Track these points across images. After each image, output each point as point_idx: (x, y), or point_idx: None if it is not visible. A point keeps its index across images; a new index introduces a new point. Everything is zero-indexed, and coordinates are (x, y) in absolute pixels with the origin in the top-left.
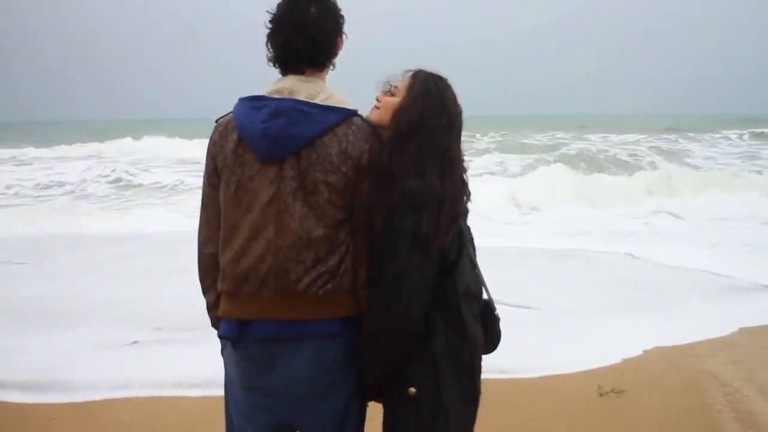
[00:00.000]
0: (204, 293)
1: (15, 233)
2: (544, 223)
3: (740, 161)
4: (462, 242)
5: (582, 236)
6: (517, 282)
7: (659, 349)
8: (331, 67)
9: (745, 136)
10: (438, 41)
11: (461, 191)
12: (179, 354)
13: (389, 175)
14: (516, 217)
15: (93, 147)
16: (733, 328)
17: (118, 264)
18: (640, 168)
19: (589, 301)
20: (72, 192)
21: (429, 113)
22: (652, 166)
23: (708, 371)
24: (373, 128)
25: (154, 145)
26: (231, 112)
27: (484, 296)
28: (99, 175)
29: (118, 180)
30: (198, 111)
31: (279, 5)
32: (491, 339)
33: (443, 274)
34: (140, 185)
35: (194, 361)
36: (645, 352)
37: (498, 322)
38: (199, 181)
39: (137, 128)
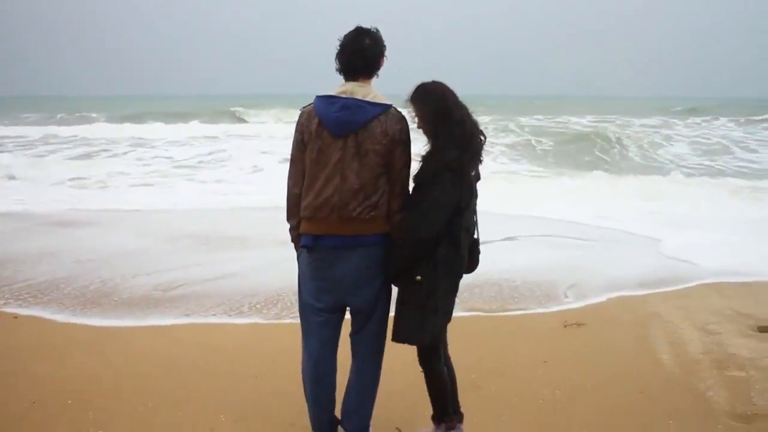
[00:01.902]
0: (288, 219)
1: None
2: None
3: None
4: (470, 199)
5: None
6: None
7: (620, 297)
8: (376, 76)
9: None
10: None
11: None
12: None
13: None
14: None
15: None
16: (688, 284)
17: None
18: None
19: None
20: None
21: (432, 110)
22: None
23: (656, 312)
24: (402, 116)
25: None
26: (311, 104)
27: (476, 236)
28: None
29: None
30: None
31: (346, 36)
32: (474, 263)
33: (455, 213)
34: None
35: None
36: (608, 299)
37: (479, 254)
38: None
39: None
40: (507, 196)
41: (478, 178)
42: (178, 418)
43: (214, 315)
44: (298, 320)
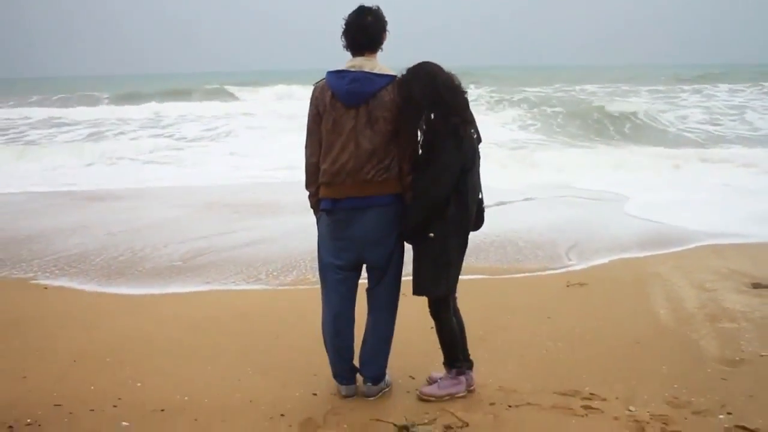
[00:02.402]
0: (307, 187)
1: None
2: None
3: None
4: (475, 160)
5: None
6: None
7: (622, 259)
8: (381, 50)
9: None
10: None
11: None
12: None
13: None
14: None
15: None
16: (687, 246)
17: None
18: None
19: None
20: None
21: (431, 85)
22: None
23: (655, 272)
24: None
25: None
26: (323, 79)
27: (480, 196)
28: None
29: None
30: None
31: (350, 15)
32: (479, 221)
33: (462, 174)
34: None
35: None
36: (610, 261)
37: (484, 212)
38: None
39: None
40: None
41: (479, 140)
42: (208, 371)
43: (233, 282)
44: (313, 286)
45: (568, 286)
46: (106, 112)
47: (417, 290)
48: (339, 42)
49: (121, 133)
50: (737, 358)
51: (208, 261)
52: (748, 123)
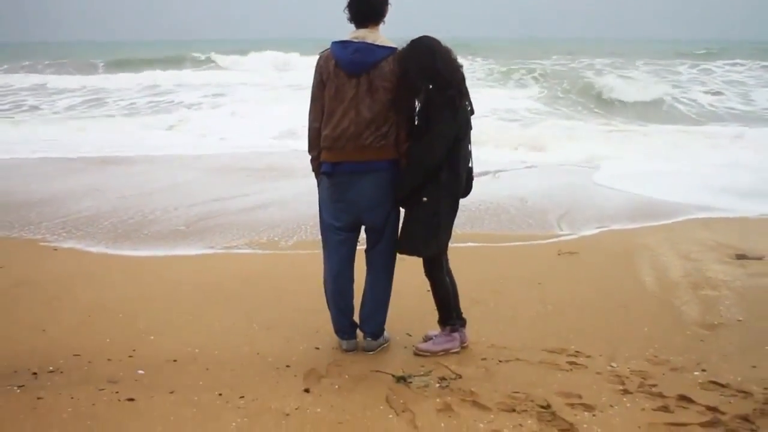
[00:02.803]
0: (309, 151)
1: None
2: None
3: None
4: (466, 131)
5: None
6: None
7: (612, 230)
8: (383, 23)
9: None
10: None
11: (463, 91)
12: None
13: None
14: None
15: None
16: (676, 218)
17: None
18: None
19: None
20: None
21: (428, 59)
22: None
23: (644, 243)
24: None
25: None
26: (327, 48)
27: (470, 164)
28: None
29: None
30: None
31: None
32: (468, 188)
33: (455, 143)
34: None
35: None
36: (600, 231)
37: (472, 180)
38: None
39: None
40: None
41: (472, 112)
42: (217, 327)
43: (236, 247)
44: (313, 251)
45: (559, 254)
46: (103, 80)
47: (411, 251)
48: (318, 10)
49: (121, 99)
50: (715, 323)
51: (215, 224)
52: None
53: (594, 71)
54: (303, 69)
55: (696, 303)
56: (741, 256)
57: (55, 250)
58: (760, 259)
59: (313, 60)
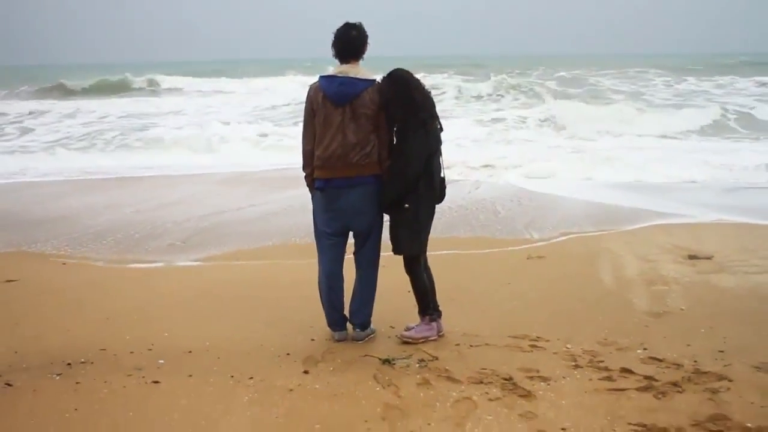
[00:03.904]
0: (304, 169)
1: None
2: None
3: None
4: (437, 147)
5: None
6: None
7: (578, 236)
8: (362, 59)
9: None
10: None
11: (434, 114)
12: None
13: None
14: None
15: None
16: (638, 224)
17: None
18: None
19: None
20: None
21: (403, 89)
22: None
23: (606, 247)
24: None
25: None
26: (316, 82)
27: (442, 174)
28: None
29: None
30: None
31: (338, 30)
32: (442, 196)
33: (429, 158)
34: None
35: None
36: (568, 238)
37: (445, 189)
38: None
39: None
40: None
41: (441, 129)
42: (223, 325)
43: (236, 260)
44: (304, 260)
45: (528, 258)
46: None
47: (396, 250)
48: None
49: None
50: (661, 311)
51: (218, 234)
52: None
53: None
54: None
55: (646, 296)
56: (693, 257)
57: (64, 264)
58: (709, 258)
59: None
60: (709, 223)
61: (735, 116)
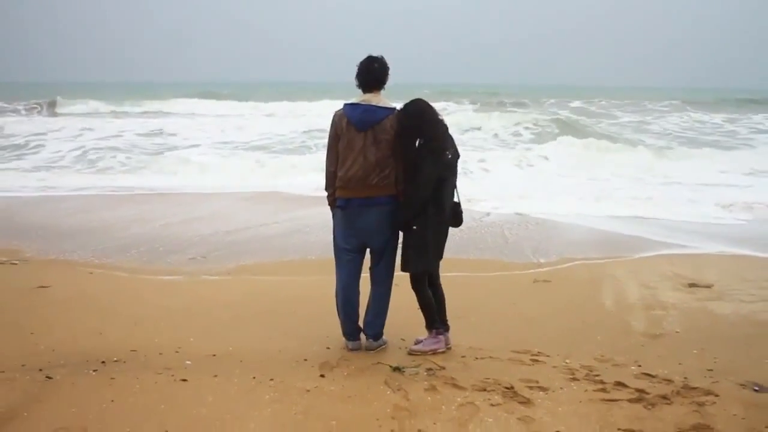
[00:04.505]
0: (326, 189)
1: None
2: None
3: None
4: (447, 173)
5: None
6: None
7: (584, 263)
8: (384, 88)
9: None
10: None
11: (444, 143)
12: None
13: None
14: None
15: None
16: (643, 254)
17: None
18: None
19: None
20: None
21: (418, 119)
22: None
23: (611, 274)
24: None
25: None
26: (341, 109)
27: (456, 199)
28: None
29: None
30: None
31: (361, 62)
32: (458, 220)
33: (438, 183)
34: None
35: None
36: (574, 264)
37: (462, 214)
38: None
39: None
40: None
41: (457, 156)
42: (244, 333)
43: (256, 274)
44: (321, 276)
45: (534, 282)
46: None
47: (403, 268)
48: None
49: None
50: (657, 333)
51: (240, 250)
52: None
53: None
54: None
55: (644, 319)
56: (693, 285)
57: (91, 273)
58: (708, 287)
59: None
60: (712, 254)
61: None
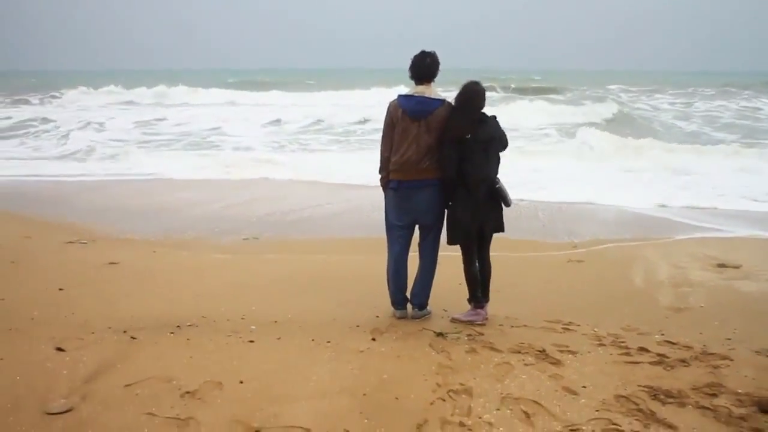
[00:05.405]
0: (380, 172)
1: None
2: None
3: None
4: (471, 154)
5: None
6: None
7: (617, 245)
8: (434, 81)
9: None
10: None
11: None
12: None
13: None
14: None
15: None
16: (674, 237)
17: None
18: None
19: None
20: None
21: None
22: None
23: (643, 255)
24: (451, 106)
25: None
26: (395, 99)
27: (498, 184)
28: None
29: None
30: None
31: (415, 56)
32: (502, 199)
33: (461, 165)
34: None
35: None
36: (607, 247)
37: (502, 192)
38: None
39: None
40: None
41: (486, 140)
42: (301, 304)
43: (305, 252)
44: (368, 255)
45: (568, 262)
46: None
47: (447, 241)
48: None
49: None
50: (682, 307)
51: (294, 229)
52: None
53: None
54: None
55: (671, 295)
56: (722, 265)
57: (154, 252)
58: (737, 267)
59: None
60: (744, 237)
61: None
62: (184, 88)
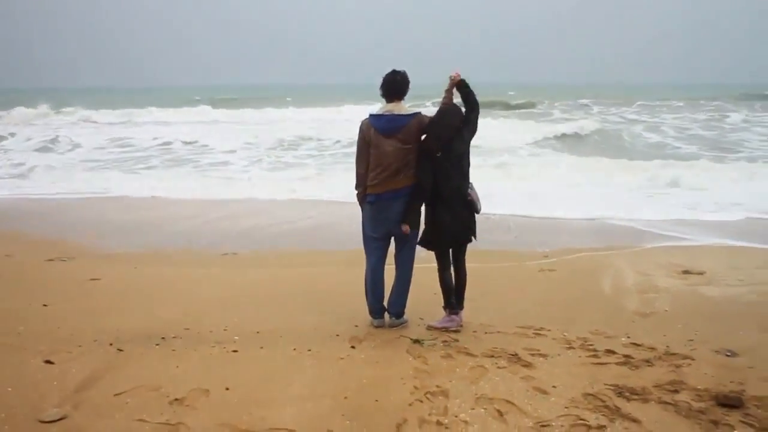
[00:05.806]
0: (356, 188)
1: None
2: None
3: None
4: (437, 167)
5: None
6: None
7: (588, 254)
8: (404, 98)
9: None
10: None
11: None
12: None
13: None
14: None
15: None
16: (643, 245)
17: None
18: None
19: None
20: None
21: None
22: None
23: (611, 263)
24: (424, 118)
25: None
26: (367, 118)
27: (469, 190)
28: None
29: None
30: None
31: (385, 75)
32: (475, 207)
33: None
34: None
35: None
36: (577, 256)
37: (470, 199)
38: None
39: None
40: None
41: (459, 155)
42: (283, 314)
43: (284, 266)
44: (346, 267)
45: (540, 271)
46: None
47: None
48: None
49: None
50: (647, 312)
51: (272, 244)
52: None
53: None
54: None
55: (638, 301)
56: (686, 272)
57: (135, 268)
58: (701, 274)
59: None
60: (709, 245)
61: None
62: (153, 108)
